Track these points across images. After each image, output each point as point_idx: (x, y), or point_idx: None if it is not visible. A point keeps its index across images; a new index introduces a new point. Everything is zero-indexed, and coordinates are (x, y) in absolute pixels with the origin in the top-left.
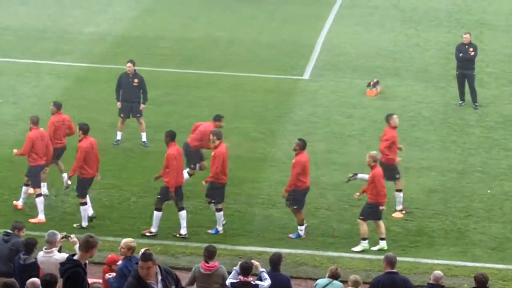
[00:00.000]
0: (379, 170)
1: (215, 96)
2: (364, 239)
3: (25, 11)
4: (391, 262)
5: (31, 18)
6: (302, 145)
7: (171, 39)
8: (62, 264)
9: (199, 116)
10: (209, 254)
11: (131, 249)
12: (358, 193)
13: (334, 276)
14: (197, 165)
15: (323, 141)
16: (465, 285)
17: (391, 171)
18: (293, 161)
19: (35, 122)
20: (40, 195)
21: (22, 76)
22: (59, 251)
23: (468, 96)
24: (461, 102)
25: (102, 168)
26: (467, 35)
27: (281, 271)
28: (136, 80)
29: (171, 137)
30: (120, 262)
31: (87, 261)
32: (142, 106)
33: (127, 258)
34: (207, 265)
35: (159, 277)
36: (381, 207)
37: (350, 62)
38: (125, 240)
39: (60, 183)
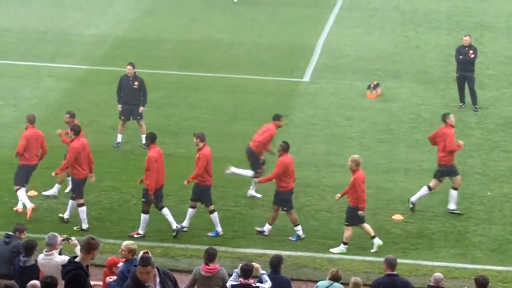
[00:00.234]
0: (360, 174)
1: (215, 98)
2: (345, 243)
3: (25, 13)
4: (391, 264)
5: (31, 20)
6: (285, 147)
7: (171, 41)
8: (63, 266)
9: (199, 118)
10: (210, 257)
11: (132, 251)
12: (338, 195)
13: (335, 278)
14: (260, 169)
15: (323, 143)
16: (466, 287)
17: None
18: (277, 161)
19: (31, 121)
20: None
21: (22, 78)
22: (60, 253)
23: (468, 98)
24: (461, 104)
25: (102, 170)
26: (467, 37)
27: (282, 273)
28: (136, 83)
29: (151, 139)
30: (121, 265)
31: (89, 263)
32: (141, 108)
33: (128, 261)
34: (207, 267)
35: (157, 279)
36: (359, 212)
37: (350, 64)
38: (126, 243)
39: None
